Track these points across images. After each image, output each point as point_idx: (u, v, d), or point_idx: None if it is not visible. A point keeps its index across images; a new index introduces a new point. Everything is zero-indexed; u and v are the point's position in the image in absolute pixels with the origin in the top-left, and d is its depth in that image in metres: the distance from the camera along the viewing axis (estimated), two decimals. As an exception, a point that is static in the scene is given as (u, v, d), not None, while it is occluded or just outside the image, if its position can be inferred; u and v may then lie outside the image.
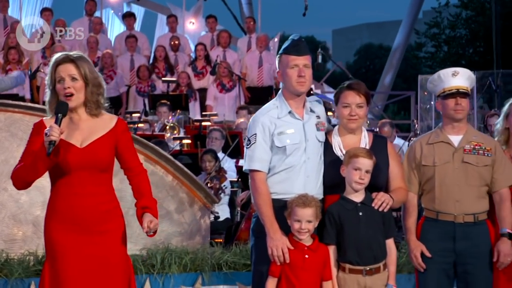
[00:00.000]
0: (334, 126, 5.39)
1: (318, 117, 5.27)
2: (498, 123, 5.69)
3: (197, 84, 15.04)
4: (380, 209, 5.08)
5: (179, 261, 7.35)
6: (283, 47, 5.25)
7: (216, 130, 10.81)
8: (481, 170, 5.34)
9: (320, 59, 14.22)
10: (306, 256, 5.04)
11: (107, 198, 4.81)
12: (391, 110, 42.07)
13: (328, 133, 5.32)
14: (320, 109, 5.32)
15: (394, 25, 41.48)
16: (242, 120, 12.02)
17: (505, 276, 5.39)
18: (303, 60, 5.14)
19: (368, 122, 13.17)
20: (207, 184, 9.48)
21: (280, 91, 5.28)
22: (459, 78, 5.38)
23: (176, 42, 15.73)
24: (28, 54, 14.86)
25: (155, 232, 4.87)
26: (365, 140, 5.29)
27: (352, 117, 5.20)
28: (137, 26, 18.59)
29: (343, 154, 5.18)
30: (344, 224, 5.10)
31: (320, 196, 5.19)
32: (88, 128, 4.76)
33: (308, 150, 5.15)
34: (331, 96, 16.35)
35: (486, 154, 5.36)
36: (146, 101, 13.84)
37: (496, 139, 5.64)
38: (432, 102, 12.83)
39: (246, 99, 14.77)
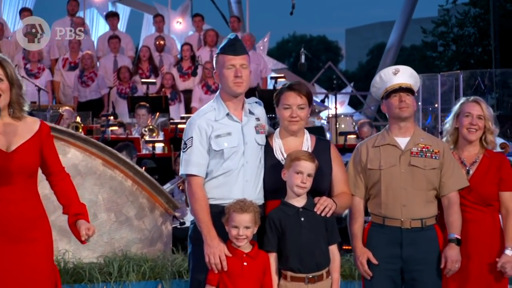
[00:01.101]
0: (275, 128, 5.36)
1: (257, 119, 5.24)
2: (447, 122, 5.63)
3: (182, 85, 15.05)
4: (323, 214, 5.04)
5: (137, 268, 7.36)
6: (219, 46, 5.23)
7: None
8: (429, 173, 5.29)
9: (303, 59, 14.15)
10: (245, 263, 5.01)
11: (34, 204, 4.79)
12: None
13: (269, 136, 5.29)
14: (260, 111, 5.29)
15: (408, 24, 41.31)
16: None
17: (454, 283, 5.35)
18: (240, 60, 5.11)
19: (354, 124, 13.15)
20: (179, 187, 9.47)
21: (218, 92, 5.26)
22: (400, 75, 5.36)
23: (161, 42, 15.73)
24: (10, 56, 14.92)
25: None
26: (307, 143, 5.26)
27: (293, 118, 5.17)
28: (122, 26, 18.63)
29: (284, 158, 5.15)
30: (285, 230, 5.06)
31: (261, 201, 5.16)
32: (13, 132, 4.74)
33: (246, 154, 5.12)
34: (317, 97, 16.37)
35: (433, 157, 5.32)
36: (116, 103, 13.86)
37: (444, 139, 5.59)
38: (419, 103, 12.81)
39: (232, 100, 14.72)
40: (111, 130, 11.09)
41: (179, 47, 16.45)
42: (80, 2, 16.23)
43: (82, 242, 4.88)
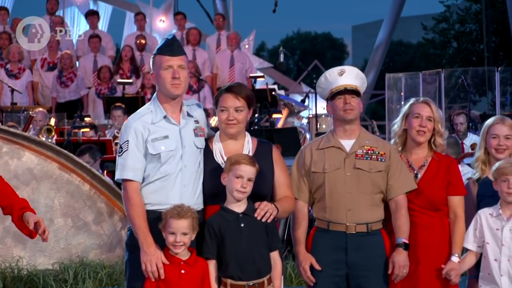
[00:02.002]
0: (216, 131, 5.31)
1: (196, 121, 5.19)
2: (395, 123, 5.54)
3: (163, 85, 14.96)
4: (263, 220, 4.99)
5: (94, 275, 7.33)
6: (157, 47, 5.18)
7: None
8: (374, 176, 5.23)
9: (282, 58, 14.11)
10: (182, 271, 4.96)
11: None
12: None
13: (209, 139, 5.24)
14: (199, 113, 5.25)
15: (415, 20, 41.28)
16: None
17: (403, 290, 5.29)
18: (178, 61, 5.06)
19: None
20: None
21: (155, 94, 5.21)
22: (346, 76, 5.29)
23: (142, 41, 15.70)
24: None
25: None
26: (248, 146, 5.21)
27: (231, 121, 5.12)
28: (104, 25, 18.60)
29: (224, 161, 5.10)
30: (225, 237, 5.01)
31: (200, 207, 5.11)
32: None
33: (184, 157, 5.07)
34: (298, 97, 16.31)
35: (379, 159, 5.25)
36: (94, 104, 13.81)
37: (392, 141, 5.53)
38: (402, 103, 12.75)
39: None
40: (83, 132, 11.04)
41: (161, 46, 16.36)
42: (59, 0, 16.18)
43: (32, 235, 4.72)
